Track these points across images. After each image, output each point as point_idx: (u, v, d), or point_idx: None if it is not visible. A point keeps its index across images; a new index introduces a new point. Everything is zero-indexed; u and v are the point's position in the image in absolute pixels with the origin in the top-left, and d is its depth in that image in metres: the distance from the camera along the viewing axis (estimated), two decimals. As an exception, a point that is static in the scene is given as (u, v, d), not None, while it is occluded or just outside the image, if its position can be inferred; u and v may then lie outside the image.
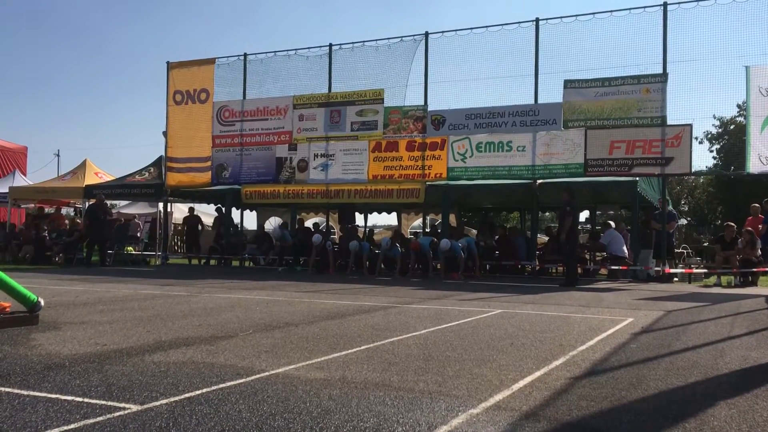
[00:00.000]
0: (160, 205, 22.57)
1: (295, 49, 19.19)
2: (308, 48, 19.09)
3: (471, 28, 17.17)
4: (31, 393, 3.86)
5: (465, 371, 4.72)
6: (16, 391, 3.91)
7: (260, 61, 19.75)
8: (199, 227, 22.05)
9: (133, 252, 21.99)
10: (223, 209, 21.13)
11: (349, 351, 5.45)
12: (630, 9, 15.59)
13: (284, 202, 20.01)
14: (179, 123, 20.68)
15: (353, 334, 6.39)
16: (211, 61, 20.35)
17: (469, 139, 17.07)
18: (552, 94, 16.39)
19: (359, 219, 21.86)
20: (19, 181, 25.37)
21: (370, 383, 4.28)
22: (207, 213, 24.49)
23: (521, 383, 4.36)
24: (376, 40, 18.27)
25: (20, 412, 3.47)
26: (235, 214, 21.88)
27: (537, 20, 16.47)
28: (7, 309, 6.84)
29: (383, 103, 18.07)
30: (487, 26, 17.02)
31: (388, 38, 18.11)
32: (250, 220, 24.15)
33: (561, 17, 16.29)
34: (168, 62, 20.80)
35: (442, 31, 17.54)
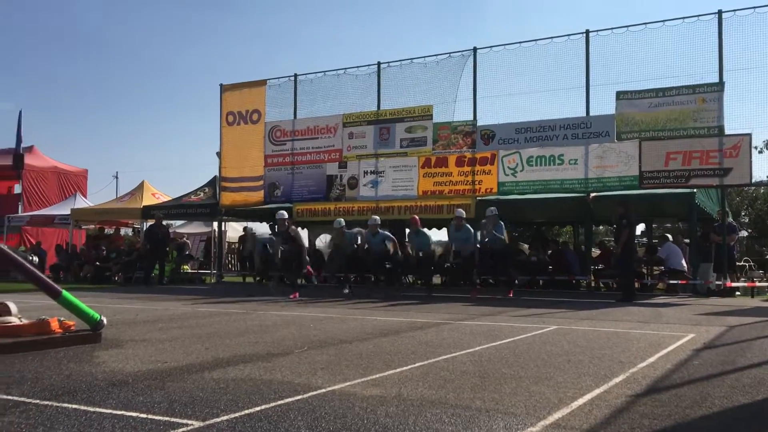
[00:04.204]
0: (215, 224, 23.01)
1: (344, 68, 19.43)
2: (357, 67, 19.31)
3: (520, 42, 17.11)
4: (97, 410, 3.98)
5: (522, 389, 4.66)
6: (82, 407, 4.04)
7: (310, 81, 20.04)
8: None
9: (189, 270, 22.46)
10: (276, 228, 21.37)
11: (404, 368, 5.45)
12: (683, 18, 15.27)
13: (335, 220, 20.12)
14: (232, 143, 21.12)
15: (407, 351, 6.39)
16: (262, 83, 20.76)
17: (520, 154, 16.94)
18: (604, 105, 16.14)
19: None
20: (80, 203, 26.24)
21: (427, 400, 4.27)
22: (261, 232, 24.83)
23: (580, 401, 4.29)
24: (424, 57, 18.35)
25: (87, 428, 3.58)
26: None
27: (587, 32, 16.30)
28: (72, 327, 7.08)
29: (432, 119, 18.11)
30: (536, 39, 16.93)
31: (436, 54, 18.19)
32: (302, 237, 24.28)
33: (612, 28, 16.08)
34: (221, 85, 21.30)
35: (491, 46, 17.52)
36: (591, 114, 16.22)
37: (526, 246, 20.59)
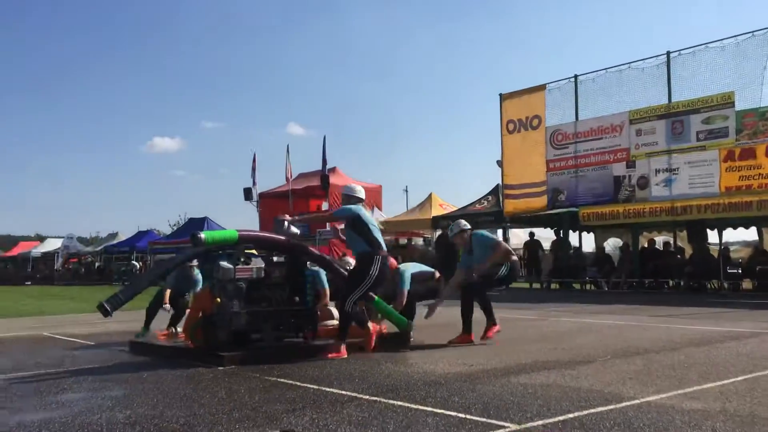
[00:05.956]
0: (499, 231, 23.39)
1: (628, 63, 18.53)
2: (643, 59, 18.27)
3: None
4: (419, 407, 4.30)
5: None
6: (406, 404, 4.40)
7: (591, 80, 19.46)
8: (540, 252, 22.33)
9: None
10: (561, 232, 21.15)
11: (725, 381, 5.00)
12: None
13: (624, 222, 19.20)
14: (513, 151, 21.32)
15: (725, 363, 5.85)
16: (541, 88, 20.66)
17: None
18: None
19: (712, 236, 19.91)
20: (378, 216, 28.56)
21: (759, 417, 3.87)
22: (544, 237, 24.70)
23: None
24: (722, 39, 16.71)
25: (414, 423, 3.90)
26: (573, 236, 21.72)
27: None
28: (384, 331, 7.74)
29: (734, 106, 16.39)
30: None
31: (736, 36, 16.44)
32: (588, 242, 23.61)
33: None
34: (500, 94, 21.66)
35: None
36: None
37: None
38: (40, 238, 60.77)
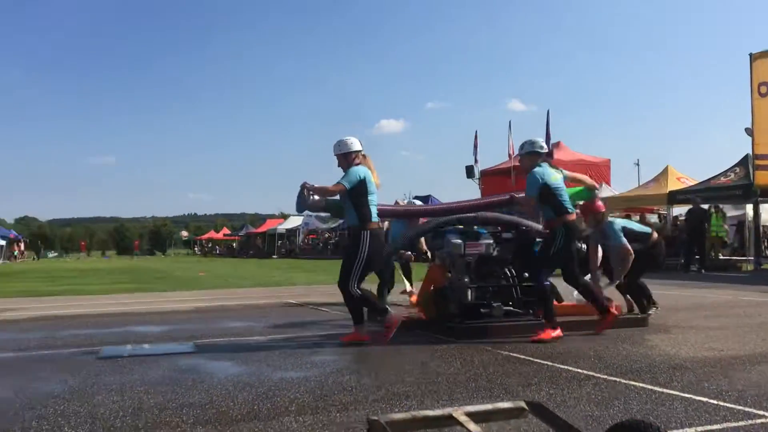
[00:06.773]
0: (748, 206, 21.09)
1: None
2: None
3: None
4: (664, 390, 4.07)
5: None
6: (648, 386, 4.19)
7: None
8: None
9: (721, 257, 21.11)
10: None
11: None
12: None
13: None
14: (766, 117, 19.01)
15: None
16: (801, 43, 18.13)
17: None
18: None
19: None
20: (606, 191, 27.22)
21: None
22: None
23: None
24: None
25: (660, 406, 3.70)
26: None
27: None
28: (618, 311, 7.41)
29: None
30: None
31: None
32: None
33: None
34: (750, 54, 19.38)
35: None
36: None
37: None
38: (284, 216, 66.96)
